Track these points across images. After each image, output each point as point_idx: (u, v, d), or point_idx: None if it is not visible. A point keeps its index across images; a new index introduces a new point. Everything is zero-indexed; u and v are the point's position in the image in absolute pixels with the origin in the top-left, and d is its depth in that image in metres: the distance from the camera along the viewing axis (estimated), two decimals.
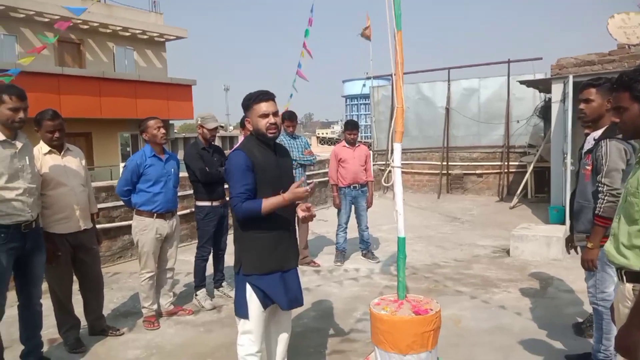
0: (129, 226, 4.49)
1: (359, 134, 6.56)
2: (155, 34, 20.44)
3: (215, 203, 4.77)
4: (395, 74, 2.96)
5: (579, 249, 3.37)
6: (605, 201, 2.92)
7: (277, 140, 2.93)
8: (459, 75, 12.71)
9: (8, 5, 15.47)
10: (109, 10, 18.80)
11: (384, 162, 12.85)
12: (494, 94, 12.04)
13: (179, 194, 4.86)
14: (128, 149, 19.27)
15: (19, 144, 3.27)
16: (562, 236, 6.17)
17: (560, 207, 8.15)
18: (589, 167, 3.21)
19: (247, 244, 2.76)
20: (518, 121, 11.62)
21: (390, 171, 3.05)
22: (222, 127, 5.25)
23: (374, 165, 8.97)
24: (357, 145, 6.30)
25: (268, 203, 2.67)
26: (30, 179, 3.32)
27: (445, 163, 12.44)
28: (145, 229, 4.25)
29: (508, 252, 6.49)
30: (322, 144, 40.87)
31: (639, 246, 1.91)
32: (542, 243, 6.24)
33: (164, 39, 21.25)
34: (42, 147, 3.76)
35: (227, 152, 4.58)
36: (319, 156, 9.38)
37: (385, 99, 13.48)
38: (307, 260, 6.19)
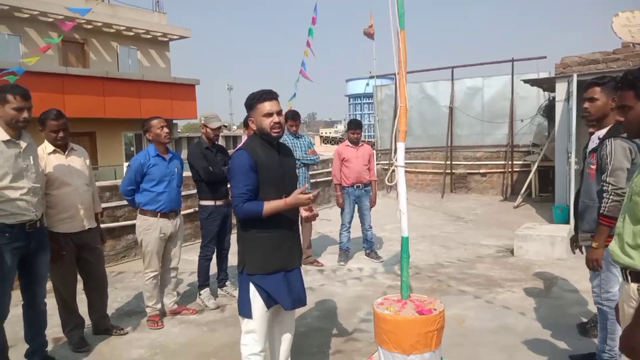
0: (133, 225, 4.50)
1: (363, 134, 6.56)
2: (158, 34, 20.49)
3: (218, 202, 4.77)
4: (398, 73, 2.95)
5: (583, 248, 3.35)
6: (610, 200, 2.91)
7: (280, 140, 2.92)
8: (462, 74, 12.70)
9: (12, 5, 15.54)
10: (112, 10, 18.85)
11: (387, 162, 12.84)
12: (498, 93, 12.02)
13: (183, 193, 4.87)
14: (132, 148, 19.32)
15: (23, 144, 3.28)
16: (566, 236, 6.15)
17: (565, 206, 8.12)
18: (594, 166, 3.20)
19: (250, 244, 2.76)
20: (522, 120, 11.59)
21: (393, 170, 3.05)
22: (225, 126, 5.25)
23: (377, 164, 8.98)
24: (360, 144, 6.30)
25: (270, 206, 2.67)
26: (34, 178, 3.33)
27: (449, 162, 12.41)
28: (149, 229, 4.26)
29: (512, 251, 6.47)
30: (325, 143, 40.85)
31: None
32: (546, 243, 6.22)
33: (167, 39, 21.31)
34: (46, 147, 3.77)
35: (230, 151, 4.58)
36: (322, 155, 9.37)
37: (388, 98, 13.46)
38: (311, 260, 6.19)
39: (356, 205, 6.34)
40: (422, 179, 12.99)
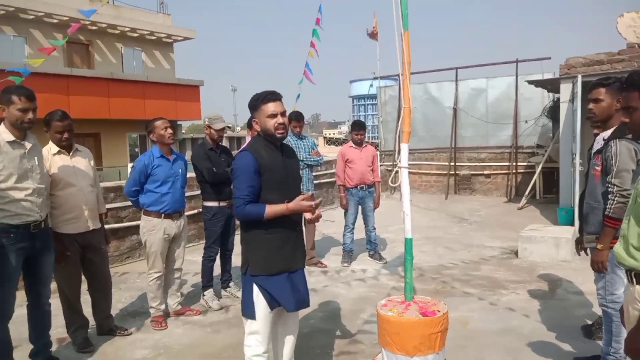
0: (137, 226, 4.51)
1: (366, 135, 6.55)
2: (163, 35, 20.56)
3: (222, 203, 4.78)
4: (402, 74, 2.95)
5: (588, 250, 3.34)
6: (615, 202, 2.89)
7: (284, 141, 2.93)
8: (466, 75, 12.69)
9: (18, 7, 15.62)
10: (117, 11, 18.92)
11: (391, 163, 12.83)
12: (502, 94, 11.99)
13: (187, 194, 4.88)
14: (136, 149, 19.37)
15: (28, 145, 3.29)
16: (571, 237, 6.13)
17: (569, 208, 8.09)
18: (599, 168, 3.18)
19: (253, 245, 2.76)
20: (526, 121, 11.56)
21: (397, 172, 3.04)
22: (229, 127, 5.27)
23: (381, 165, 8.96)
24: (364, 145, 6.29)
25: (271, 210, 2.68)
26: (39, 179, 3.34)
27: (453, 163, 12.39)
28: (153, 229, 4.27)
29: (516, 253, 6.45)
30: (329, 145, 40.84)
31: None
32: (550, 244, 6.20)
33: (171, 40, 21.37)
34: (51, 148, 3.78)
35: (234, 152, 4.58)
36: (326, 156, 9.37)
37: (392, 99, 13.45)
38: (314, 261, 6.19)
39: (360, 207, 6.33)
40: (426, 180, 12.97)
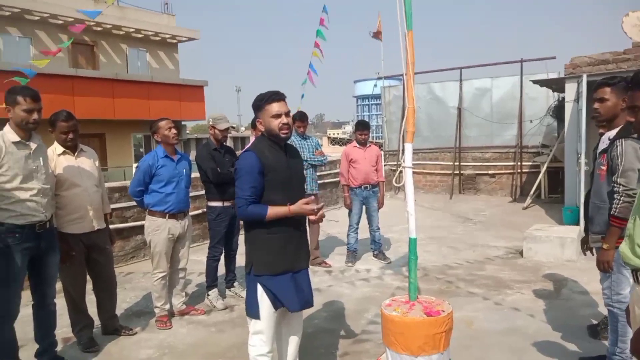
0: (142, 226, 4.53)
1: (370, 135, 6.55)
2: (167, 36, 20.60)
3: (226, 203, 4.78)
4: (406, 74, 2.94)
5: (594, 250, 3.32)
6: (621, 201, 2.88)
7: (288, 141, 2.93)
8: (471, 75, 12.64)
9: (23, 8, 15.69)
10: (121, 12, 18.98)
11: (395, 163, 12.82)
12: (507, 93, 11.96)
13: (191, 194, 4.88)
14: (141, 149, 19.42)
15: (33, 145, 3.31)
16: (576, 237, 6.10)
17: (575, 207, 8.06)
18: (604, 167, 3.17)
19: (257, 244, 2.77)
20: (531, 121, 11.52)
21: (401, 171, 3.04)
22: (233, 127, 5.27)
23: (385, 165, 8.96)
24: (368, 145, 6.29)
25: (273, 211, 2.69)
26: (44, 179, 3.36)
27: (457, 163, 12.36)
28: (158, 229, 4.28)
29: (521, 253, 6.43)
30: (333, 144, 40.83)
31: None
32: (556, 244, 6.17)
33: (176, 41, 21.41)
34: (56, 148, 3.80)
35: (238, 152, 4.59)
36: (330, 156, 9.37)
37: (396, 99, 13.44)
38: (319, 261, 6.19)
39: (364, 207, 6.33)
40: (431, 180, 12.95)
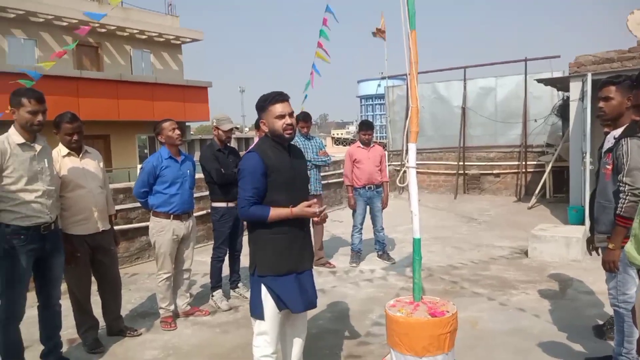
0: (147, 227, 4.53)
1: (374, 134, 6.53)
2: (171, 37, 20.67)
3: (230, 204, 4.78)
4: (409, 74, 2.94)
5: (600, 250, 3.31)
6: (626, 201, 2.86)
7: (292, 142, 2.93)
8: (475, 74, 12.62)
9: (28, 10, 15.78)
10: (125, 13, 19.05)
11: (399, 163, 12.79)
12: (511, 92, 11.91)
13: (195, 195, 4.90)
14: (145, 150, 19.49)
15: (38, 147, 3.32)
16: (581, 237, 6.08)
17: (580, 207, 8.02)
18: (610, 167, 3.15)
19: (261, 245, 2.77)
20: (536, 120, 11.48)
21: (405, 171, 3.03)
22: (237, 128, 5.27)
23: (389, 165, 8.94)
24: (371, 145, 6.28)
25: (275, 213, 2.69)
26: (49, 181, 3.37)
27: (461, 163, 12.33)
28: (162, 230, 4.29)
29: (526, 253, 6.40)
30: (337, 145, 40.82)
31: None
32: (561, 244, 6.15)
33: (180, 42, 21.48)
34: (60, 150, 3.81)
35: (242, 153, 4.59)
36: (334, 157, 9.37)
37: (400, 99, 13.42)
38: (323, 262, 6.18)
39: (368, 207, 6.32)
40: (435, 180, 12.92)
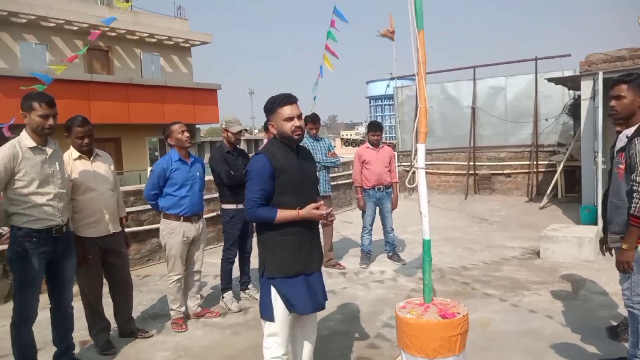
0: (157, 229, 4.56)
1: (384, 135, 6.52)
2: (180, 40, 20.78)
3: (240, 206, 4.78)
4: (417, 74, 2.92)
5: (613, 250, 3.27)
6: None
7: (300, 143, 2.92)
8: (484, 74, 12.57)
9: (39, 15, 15.95)
10: (135, 17, 19.19)
11: (409, 163, 12.75)
12: (521, 92, 11.84)
13: (205, 197, 4.91)
14: (156, 153, 19.61)
15: (49, 150, 3.35)
16: (594, 237, 6.01)
17: (592, 207, 7.94)
18: (622, 166, 3.11)
19: (270, 247, 2.77)
20: (547, 119, 11.39)
21: (414, 172, 3.02)
22: (246, 130, 5.29)
23: (398, 166, 8.91)
24: (380, 146, 6.26)
25: (282, 215, 2.69)
26: (60, 184, 3.40)
27: (472, 163, 12.26)
28: (173, 232, 4.31)
29: (538, 253, 6.35)
30: (346, 146, 40.81)
31: None
32: (573, 244, 6.09)
33: (189, 45, 21.59)
34: (72, 153, 3.85)
35: (251, 155, 4.60)
36: (343, 158, 9.38)
37: (409, 99, 13.38)
38: (333, 263, 6.18)
39: (377, 208, 6.30)
40: (445, 181, 12.86)
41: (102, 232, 3.88)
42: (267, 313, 2.76)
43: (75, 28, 17.04)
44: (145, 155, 19.21)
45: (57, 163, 3.41)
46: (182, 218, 4.32)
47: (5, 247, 3.49)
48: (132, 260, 6.11)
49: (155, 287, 5.67)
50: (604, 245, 3.44)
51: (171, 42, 20.59)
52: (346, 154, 14.87)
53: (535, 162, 11.46)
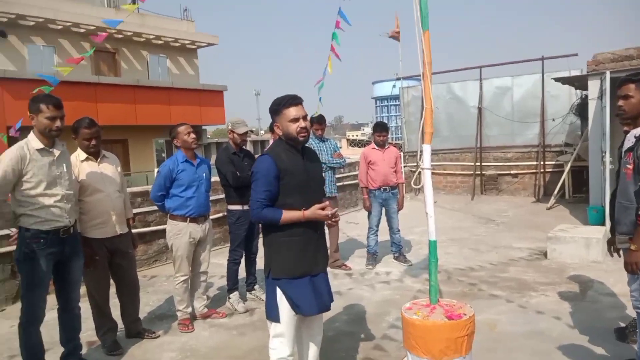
0: (164, 230, 4.58)
1: (390, 135, 6.51)
2: (187, 42, 20.85)
3: (246, 207, 4.75)
4: (423, 75, 2.92)
5: (621, 251, 3.25)
6: None
7: (306, 144, 2.93)
8: (491, 74, 12.51)
9: (47, 18, 16.06)
10: (142, 19, 19.28)
11: (415, 164, 12.72)
12: (528, 92, 11.79)
13: (211, 198, 4.93)
14: (163, 154, 19.68)
15: (56, 152, 3.37)
16: (601, 237, 5.97)
17: (600, 207, 7.89)
18: (630, 166, 3.09)
19: (275, 248, 2.78)
20: (554, 119, 11.33)
21: (420, 173, 3.01)
22: (252, 131, 5.31)
23: (405, 166, 8.91)
24: (386, 147, 6.25)
25: (287, 216, 2.69)
26: (67, 185, 3.42)
27: (478, 163, 12.22)
28: (179, 233, 4.33)
29: (545, 254, 6.31)
30: (352, 146, 40.79)
31: None
32: (581, 245, 6.05)
33: (195, 46, 21.65)
34: (79, 155, 3.87)
35: (257, 156, 4.62)
36: (349, 158, 9.37)
37: (415, 100, 13.35)
38: (339, 264, 6.17)
39: (383, 208, 6.29)
40: (451, 181, 12.82)
41: (110, 233, 3.91)
42: (272, 314, 2.77)
43: (82, 30, 17.13)
44: (152, 156, 19.29)
45: (64, 165, 3.43)
46: (188, 219, 4.33)
47: (13, 248, 3.51)
48: (139, 261, 6.14)
49: (162, 288, 5.70)
50: (611, 246, 3.41)
51: (177, 44, 20.66)
52: (352, 154, 14.88)
53: (542, 163, 11.40)
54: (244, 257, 5.00)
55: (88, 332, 4.06)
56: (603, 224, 7.10)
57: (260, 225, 2.99)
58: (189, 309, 4.49)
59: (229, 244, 5.00)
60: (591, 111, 8.54)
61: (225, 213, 5.13)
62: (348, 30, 7.45)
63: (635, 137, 3.09)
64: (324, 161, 5.71)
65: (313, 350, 2.99)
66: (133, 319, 4.26)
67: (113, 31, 16.44)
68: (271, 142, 4.94)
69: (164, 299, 5.27)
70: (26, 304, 3.30)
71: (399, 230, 6.36)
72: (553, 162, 11.36)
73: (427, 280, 3.26)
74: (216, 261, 5.84)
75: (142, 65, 20.00)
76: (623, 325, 3.96)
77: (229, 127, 4.91)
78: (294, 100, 2.80)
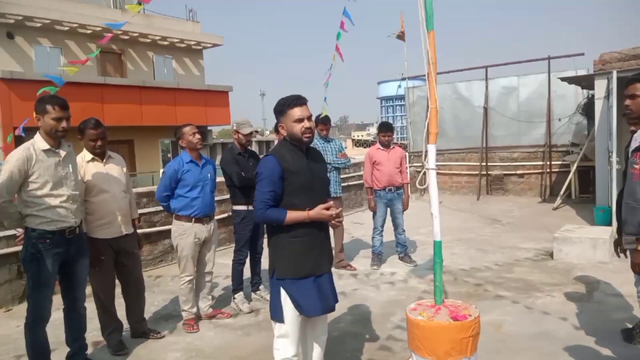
0: (170, 230, 4.59)
1: (395, 136, 6.50)
2: (192, 42, 20.91)
3: (251, 207, 4.73)
4: (428, 75, 2.91)
5: (628, 252, 3.22)
6: None
7: (311, 144, 2.93)
8: (497, 74, 12.48)
9: (53, 19, 16.16)
10: (148, 20, 19.35)
11: (420, 164, 12.70)
12: (534, 91, 11.74)
13: (217, 198, 4.93)
14: (169, 155, 19.74)
15: (62, 152, 3.39)
16: (608, 238, 5.94)
17: (607, 207, 7.84)
18: (638, 166, 3.07)
19: (280, 248, 2.77)
20: (560, 119, 11.28)
21: (424, 173, 3.00)
22: (257, 132, 5.32)
23: (410, 167, 8.89)
24: (391, 147, 6.24)
25: (292, 216, 2.69)
26: (73, 186, 3.44)
27: (484, 164, 12.18)
28: (184, 234, 4.34)
29: (551, 255, 6.28)
30: (357, 147, 40.76)
31: None
32: (587, 245, 6.01)
33: (201, 47, 21.71)
34: (85, 155, 3.89)
35: (262, 156, 4.62)
36: (354, 159, 9.35)
37: (420, 100, 13.33)
38: (344, 264, 6.17)
39: (388, 209, 6.28)
40: (457, 181, 12.79)
41: (115, 234, 3.92)
42: (277, 314, 2.77)
43: (89, 32, 17.23)
44: (158, 157, 19.36)
45: (70, 165, 3.45)
46: (193, 219, 4.34)
47: (19, 248, 3.53)
48: (145, 261, 6.16)
49: (167, 288, 5.71)
50: (618, 246, 3.39)
51: (183, 45, 20.73)
52: (357, 154, 14.86)
53: (548, 163, 11.35)
54: (249, 257, 5.01)
55: (93, 332, 4.07)
56: (610, 224, 7.06)
57: (265, 225, 2.99)
58: (194, 309, 4.50)
59: (234, 244, 5.01)
60: (598, 111, 8.50)
61: (230, 213, 5.14)
62: (353, 31, 7.44)
63: None
64: (328, 161, 5.71)
65: (317, 351, 2.98)
66: (138, 319, 4.27)
67: (119, 32, 16.51)
68: (276, 142, 4.95)
69: (169, 299, 5.28)
70: (32, 304, 3.32)
71: (404, 231, 6.35)
72: (559, 162, 11.31)
73: (432, 281, 3.25)
74: (221, 261, 5.85)
75: (148, 66, 20.08)
76: (630, 326, 3.93)
77: (234, 128, 4.92)
78: (299, 101, 2.79)
